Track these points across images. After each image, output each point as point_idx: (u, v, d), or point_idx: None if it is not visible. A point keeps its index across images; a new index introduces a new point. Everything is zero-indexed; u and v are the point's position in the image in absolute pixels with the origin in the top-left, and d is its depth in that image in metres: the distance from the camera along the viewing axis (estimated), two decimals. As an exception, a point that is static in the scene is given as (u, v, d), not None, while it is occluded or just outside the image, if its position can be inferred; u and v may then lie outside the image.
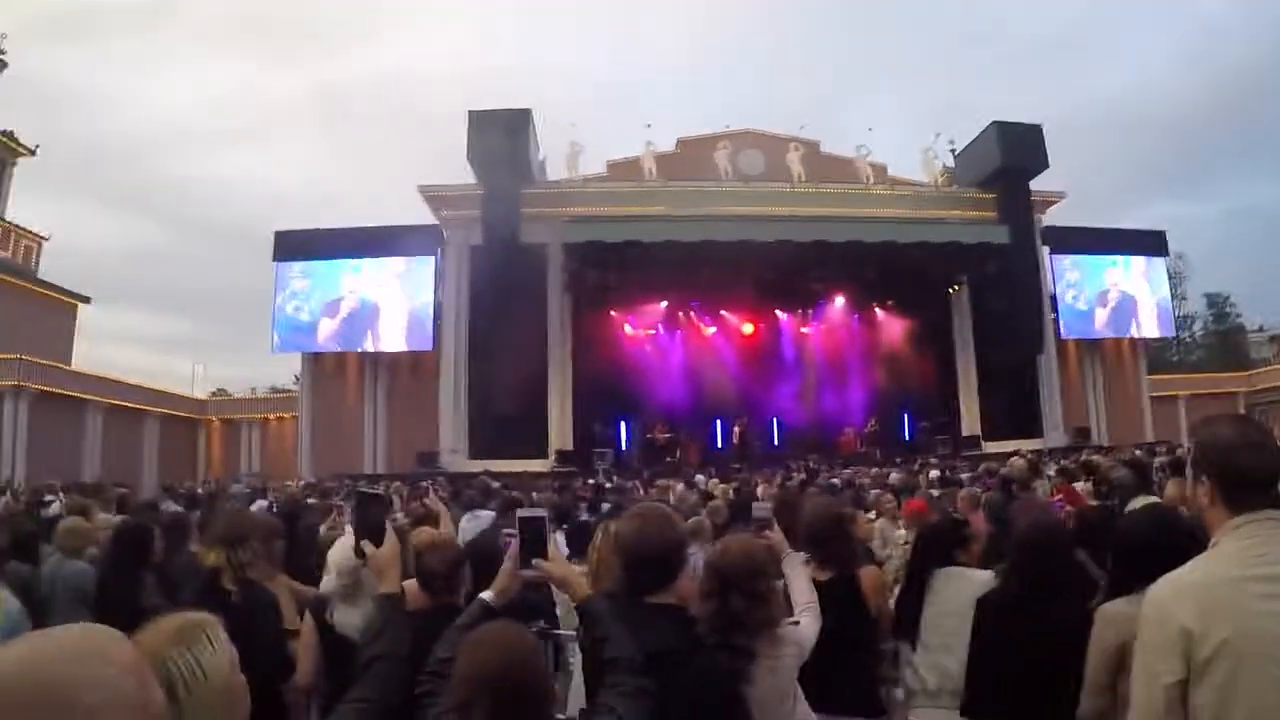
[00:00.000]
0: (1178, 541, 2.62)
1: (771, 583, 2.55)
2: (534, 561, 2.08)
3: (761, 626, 2.40)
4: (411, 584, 3.07)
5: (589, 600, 2.02)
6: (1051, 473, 11.58)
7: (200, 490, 14.91)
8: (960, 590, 3.20)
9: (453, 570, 2.92)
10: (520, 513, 2.26)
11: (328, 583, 3.10)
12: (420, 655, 2.50)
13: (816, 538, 3.27)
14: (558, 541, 5.19)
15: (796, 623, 2.54)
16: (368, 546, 2.31)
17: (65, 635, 0.83)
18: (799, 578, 2.90)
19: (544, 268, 22.52)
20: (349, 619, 2.99)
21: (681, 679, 1.95)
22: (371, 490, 2.13)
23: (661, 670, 1.89)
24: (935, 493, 8.33)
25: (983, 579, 3.17)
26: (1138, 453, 17.29)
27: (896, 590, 3.65)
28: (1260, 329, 43.51)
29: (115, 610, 4.05)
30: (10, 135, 27.48)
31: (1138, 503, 5.04)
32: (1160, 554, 2.48)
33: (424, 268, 23.54)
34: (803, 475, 14.47)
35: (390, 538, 2.35)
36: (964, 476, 12.28)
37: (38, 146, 27.88)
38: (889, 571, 5.24)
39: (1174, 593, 1.68)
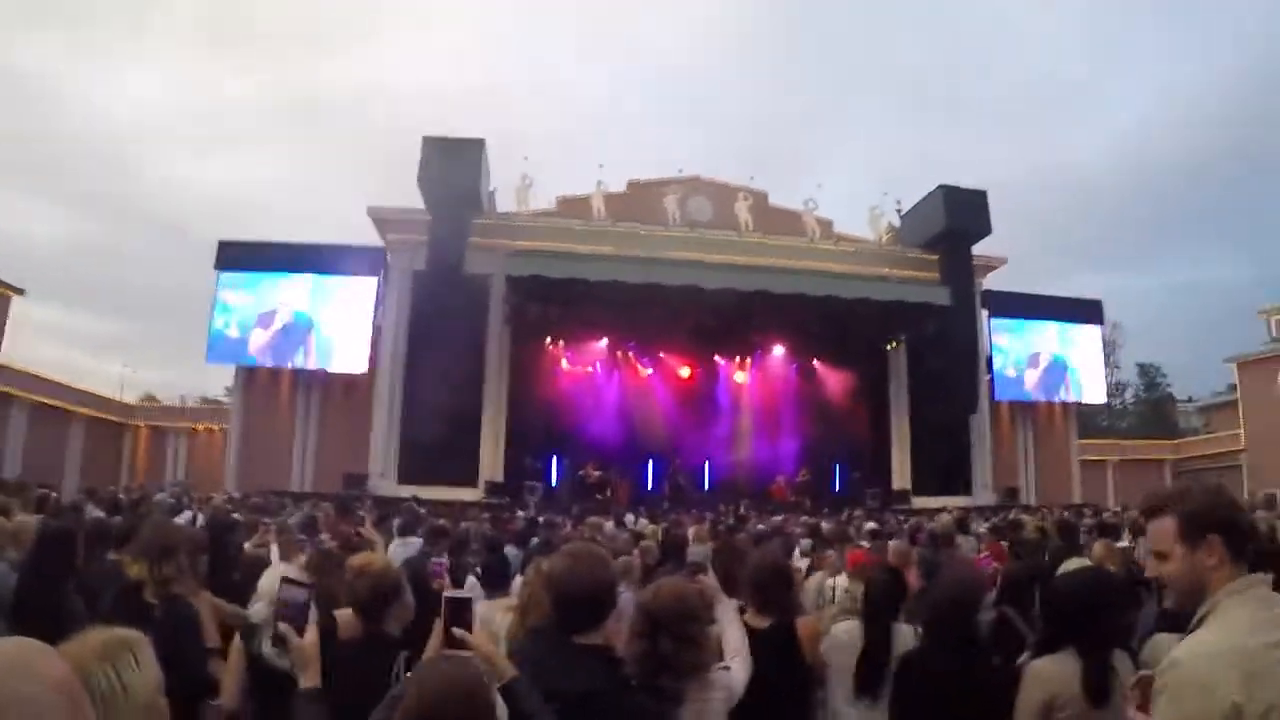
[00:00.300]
0: (1111, 600, 2.83)
1: (703, 627, 2.56)
2: (458, 633, 2.04)
3: (690, 670, 2.40)
4: (346, 613, 3.09)
5: (511, 681, 1.96)
6: (982, 530, 11.89)
7: (124, 497, 14.62)
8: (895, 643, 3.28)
9: (386, 599, 2.88)
10: (446, 594, 2.22)
11: (258, 611, 3.04)
12: (351, 685, 2.55)
13: (760, 585, 3.30)
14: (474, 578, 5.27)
15: (727, 668, 2.56)
16: (290, 635, 2.31)
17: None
18: (732, 624, 2.95)
19: (486, 298, 22.58)
20: (270, 649, 2.93)
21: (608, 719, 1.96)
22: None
23: (589, 712, 1.94)
24: (865, 544, 8.55)
25: (906, 634, 3.26)
26: (1065, 514, 17.87)
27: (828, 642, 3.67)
28: (1190, 400, 45.03)
29: (34, 616, 4.01)
30: (-44, 119, 26.99)
31: (1071, 564, 5.30)
32: (1093, 613, 2.70)
33: (365, 289, 23.47)
34: (732, 520, 14.66)
35: (311, 632, 2.35)
36: (892, 530, 12.52)
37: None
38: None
39: (1212, 664, 1.58)
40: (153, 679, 1.30)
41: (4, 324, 26.10)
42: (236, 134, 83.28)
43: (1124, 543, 9.01)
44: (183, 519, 9.31)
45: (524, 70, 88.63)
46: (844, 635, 3.46)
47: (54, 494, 11.76)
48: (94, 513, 8.92)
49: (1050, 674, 2.60)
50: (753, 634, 3.06)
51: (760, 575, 3.37)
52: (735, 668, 2.68)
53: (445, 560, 4.28)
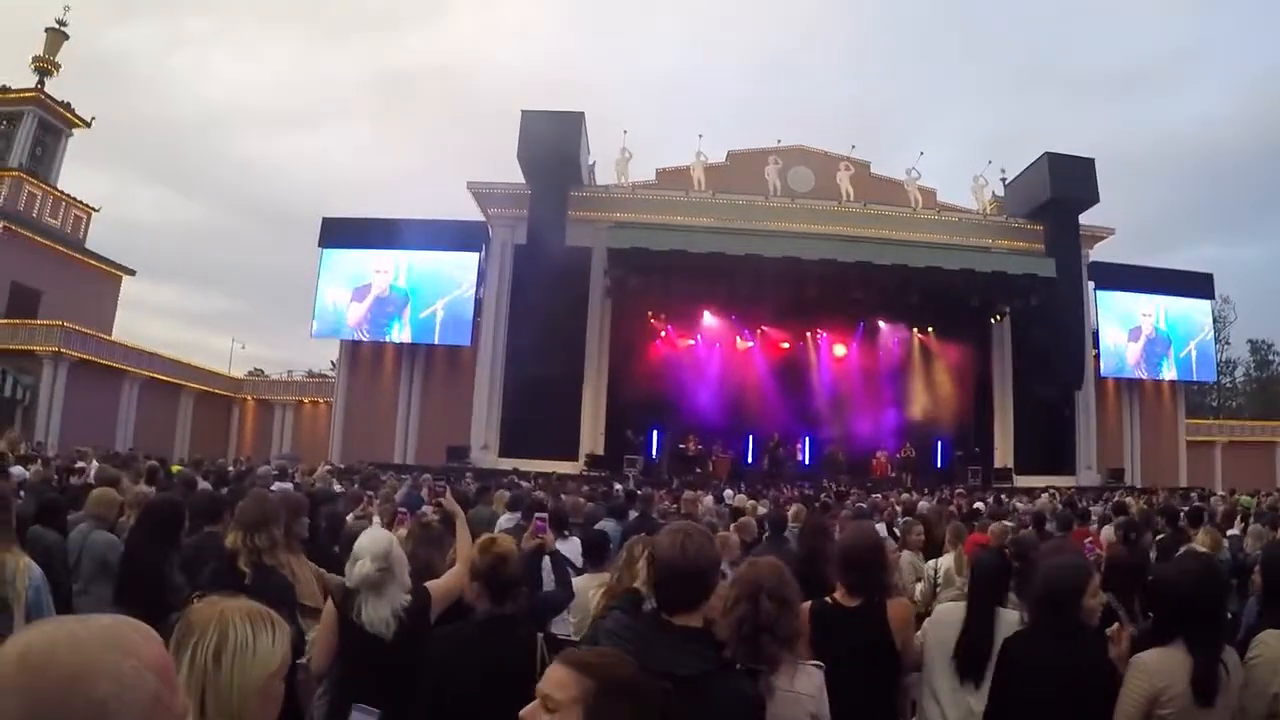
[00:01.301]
0: (1221, 595, 2.68)
1: (799, 597, 2.53)
2: None
3: (788, 636, 2.38)
4: (441, 582, 3.13)
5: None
6: (1096, 514, 11.43)
7: (231, 469, 14.97)
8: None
9: (517, 583, 2.90)
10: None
11: (362, 566, 3.00)
12: (477, 658, 2.62)
13: (851, 562, 3.18)
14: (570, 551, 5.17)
15: (821, 666, 2.46)
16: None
17: (93, 623, 0.84)
18: None
19: (587, 271, 22.53)
20: (377, 613, 2.93)
21: (708, 703, 1.92)
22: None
23: (692, 695, 1.86)
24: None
25: (1011, 619, 3.13)
26: (1171, 499, 17.07)
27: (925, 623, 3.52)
28: (1302, 378, 42.91)
29: (139, 584, 4.11)
30: (67, 106, 27.94)
31: (1183, 551, 4.95)
32: (1207, 606, 2.55)
33: (467, 263, 23.61)
34: (831, 497, 14.32)
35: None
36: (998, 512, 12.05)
37: (94, 118, 28.34)
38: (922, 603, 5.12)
39: None
40: (280, 658, 1.34)
41: (115, 303, 27.09)
42: (330, 113, 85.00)
43: (1234, 530, 8.46)
44: (278, 488, 9.46)
45: (618, 45, 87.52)
46: (947, 616, 3.32)
47: (162, 466, 12.20)
48: (202, 485, 9.02)
49: (1157, 667, 2.49)
50: (840, 612, 3.04)
51: (851, 554, 3.22)
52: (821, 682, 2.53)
53: (546, 517, 4.18)
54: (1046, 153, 24.93)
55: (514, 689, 2.47)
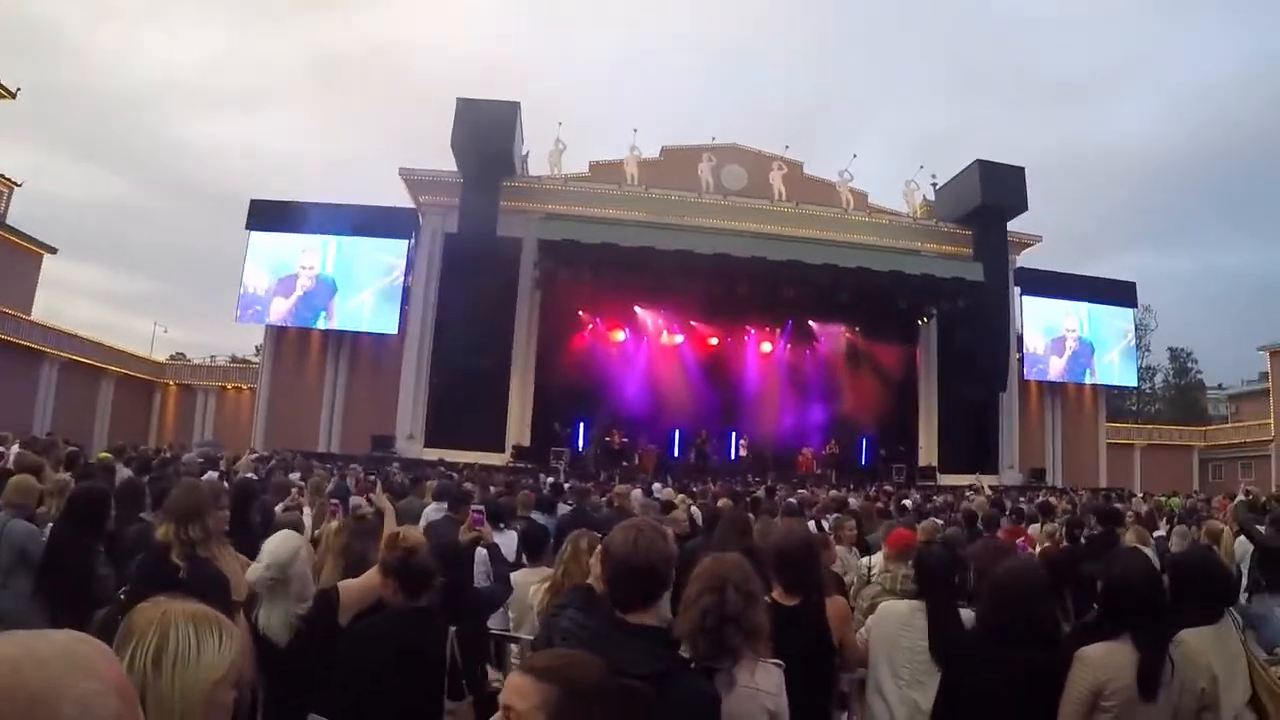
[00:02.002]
0: (1163, 591, 2.75)
1: (762, 591, 2.53)
2: None
3: (754, 630, 2.35)
4: (356, 582, 3.05)
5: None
6: (1024, 510, 11.69)
7: (155, 456, 14.66)
8: None
9: (431, 577, 2.87)
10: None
11: (254, 570, 2.99)
12: (390, 651, 2.61)
13: (787, 561, 3.18)
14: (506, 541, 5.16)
15: (780, 665, 2.45)
16: None
17: (52, 641, 0.81)
18: None
19: (517, 262, 22.49)
20: (269, 619, 2.91)
21: (664, 702, 1.89)
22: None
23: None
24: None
25: (965, 617, 3.16)
26: (1095, 499, 17.61)
27: (866, 619, 3.62)
28: (1220, 386, 44.45)
29: (63, 575, 4.03)
30: (-10, 76, 26.96)
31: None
32: (1156, 602, 2.61)
33: (396, 250, 23.39)
34: (760, 492, 14.53)
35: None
36: (928, 508, 12.33)
37: (18, 90, 27.30)
38: (854, 599, 5.23)
39: None
40: (226, 664, 1.25)
41: (35, 282, 26.25)
42: (264, 94, 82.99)
43: (1159, 531, 8.87)
44: (207, 478, 9.29)
45: (558, 35, 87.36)
46: (892, 613, 3.35)
47: (81, 451, 11.91)
48: (124, 472, 8.82)
49: (1103, 661, 2.51)
50: (780, 612, 2.98)
51: (786, 552, 3.21)
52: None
53: (483, 509, 4.23)
54: (978, 160, 25.51)
55: (426, 681, 2.54)
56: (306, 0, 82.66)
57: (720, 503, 9.93)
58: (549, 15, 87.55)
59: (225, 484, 7.95)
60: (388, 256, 23.35)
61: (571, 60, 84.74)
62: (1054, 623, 2.90)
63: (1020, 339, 26.99)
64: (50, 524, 4.75)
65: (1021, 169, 25.78)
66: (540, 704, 1.27)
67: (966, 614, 3.17)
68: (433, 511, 7.29)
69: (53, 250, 26.67)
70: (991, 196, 24.80)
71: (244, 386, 27.13)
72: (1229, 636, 2.80)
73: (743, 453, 23.78)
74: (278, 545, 3.02)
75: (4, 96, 27.37)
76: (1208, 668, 2.66)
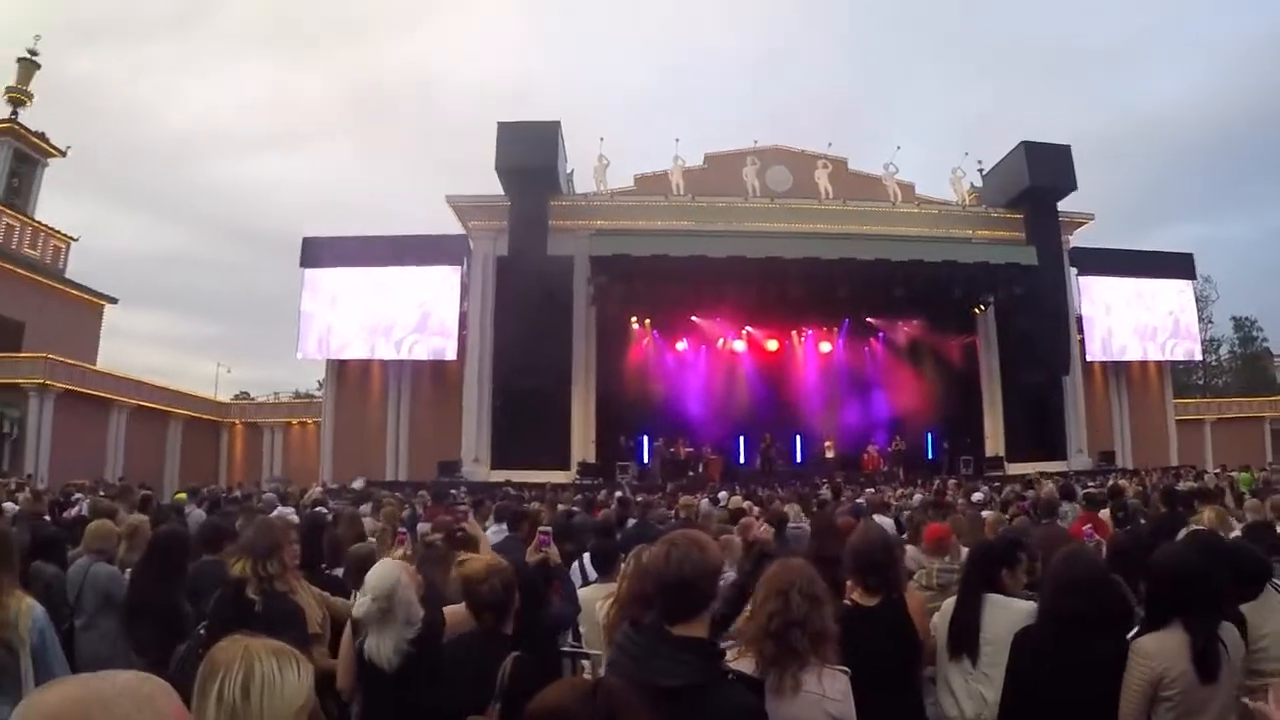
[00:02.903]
0: (1214, 570, 2.68)
1: (828, 595, 2.52)
2: None
3: (819, 634, 2.37)
4: (459, 608, 3.08)
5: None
6: (1080, 498, 11.42)
7: (225, 494, 14.90)
8: (1001, 619, 3.16)
9: (510, 601, 2.91)
10: None
11: (360, 604, 3.01)
12: (468, 680, 2.66)
13: (866, 562, 3.19)
14: (584, 563, 5.14)
15: (847, 671, 2.43)
16: None
17: (120, 681, 0.85)
18: None
19: (570, 280, 22.53)
20: (380, 648, 2.92)
21: (700, 714, 1.91)
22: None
23: (684, 705, 1.87)
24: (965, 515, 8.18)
25: (1025, 609, 3.13)
26: (1164, 479, 17.15)
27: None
28: (1288, 352, 43.09)
29: (148, 615, 4.10)
30: (42, 136, 27.80)
31: (1184, 533, 4.93)
32: (1197, 584, 2.56)
33: (450, 277, 23.58)
34: (827, 493, 14.37)
35: None
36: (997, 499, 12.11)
37: (69, 148, 28.19)
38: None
39: None
40: (306, 693, 1.35)
41: (98, 332, 26.95)
42: (306, 132, 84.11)
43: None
44: (278, 513, 9.39)
45: (592, 53, 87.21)
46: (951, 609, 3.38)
47: (153, 494, 12.14)
48: (195, 512, 8.96)
49: (1155, 650, 2.52)
50: (860, 612, 3.03)
51: (865, 552, 3.22)
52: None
53: (550, 530, 4.23)
54: (1023, 142, 25.09)
55: (479, 704, 2.55)
56: (340, 37, 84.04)
57: (790, 507, 9.87)
58: (582, 35, 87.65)
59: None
60: (442, 283, 23.55)
61: (608, 77, 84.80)
62: (1118, 610, 2.85)
63: (1080, 320, 26.41)
64: (128, 566, 4.88)
65: (1067, 147, 25.29)
66: None
67: (1026, 605, 3.17)
68: (494, 534, 7.19)
69: (113, 300, 27.40)
70: (1039, 178, 24.37)
71: (309, 421, 27.51)
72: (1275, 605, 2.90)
73: (829, 454, 23.41)
74: (380, 576, 3.04)
75: (55, 155, 28.28)
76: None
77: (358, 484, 20.80)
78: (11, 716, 0.82)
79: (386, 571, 3.08)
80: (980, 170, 26.24)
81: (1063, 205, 25.63)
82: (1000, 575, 3.38)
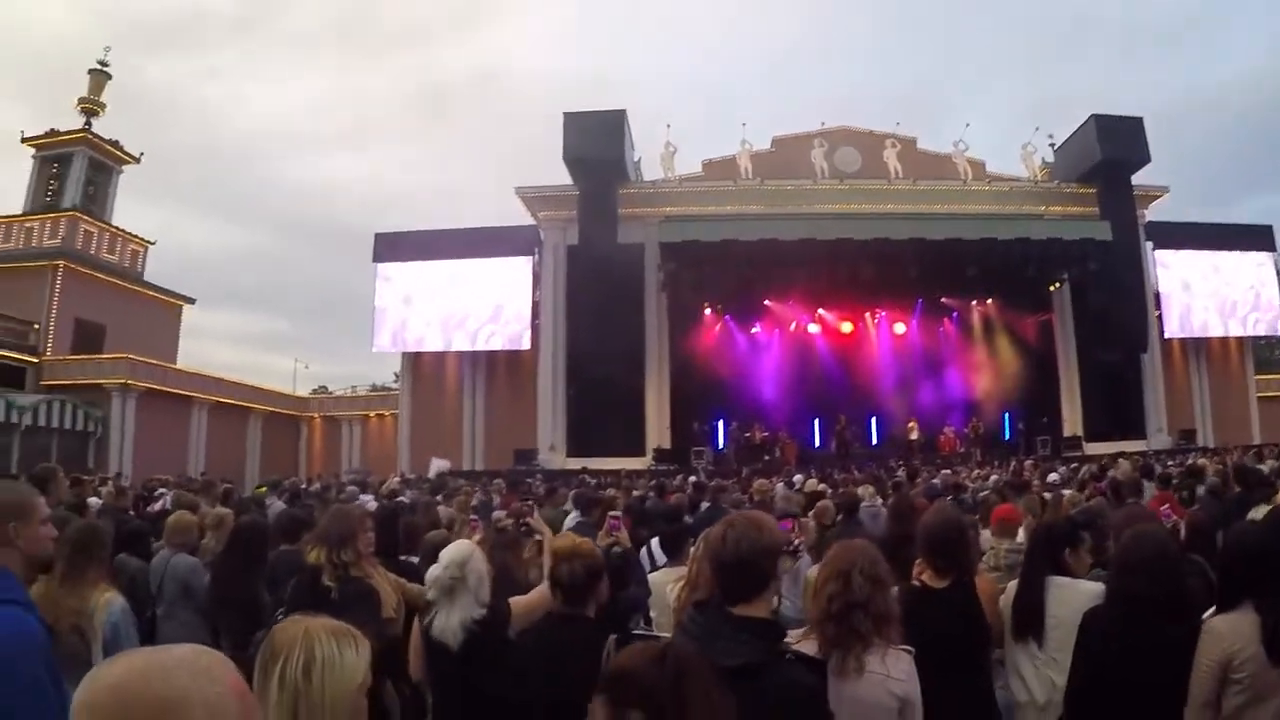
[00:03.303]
0: None
1: (890, 577, 2.52)
2: None
3: (881, 615, 2.36)
4: (530, 598, 3.11)
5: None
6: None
7: (305, 487, 15.19)
8: (1067, 601, 3.09)
9: (594, 583, 2.89)
10: None
11: (433, 572, 3.04)
12: (543, 667, 2.69)
13: (936, 544, 3.14)
14: (652, 547, 5.16)
15: (911, 651, 2.41)
16: None
17: (178, 653, 0.88)
18: None
19: (641, 267, 22.57)
20: (447, 622, 2.93)
21: (759, 693, 1.88)
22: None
23: (742, 685, 1.82)
24: (1048, 495, 8.04)
25: (1091, 591, 3.06)
26: (1243, 458, 16.58)
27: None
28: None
29: (228, 605, 4.25)
30: (116, 144, 28.59)
31: (1259, 511, 4.81)
32: (1270, 564, 2.48)
33: (522, 268, 23.78)
34: (902, 475, 14.21)
35: None
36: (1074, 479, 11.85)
37: (142, 154, 28.98)
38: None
39: None
40: (364, 671, 1.38)
41: (178, 332, 27.66)
42: (372, 129, 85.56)
43: None
44: (357, 503, 9.46)
45: (654, 40, 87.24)
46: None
47: (234, 487, 12.39)
48: (275, 504, 9.12)
49: (1225, 632, 2.46)
50: (931, 595, 3.01)
51: (935, 534, 3.16)
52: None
53: (620, 515, 4.27)
54: (1094, 115, 24.51)
55: (578, 689, 2.51)
56: (402, 35, 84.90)
57: (864, 489, 9.74)
58: (646, 23, 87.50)
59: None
60: (513, 274, 23.76)
61: (672, 64, 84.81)
62: (1188, 592, 2.73)
63: (1157, 296, 25.75)
64: (211, 557, 5.05)
65: (1139, 119, 24.63)
66: (603, 718, 1.33)
67: (1095, 586, 3.10)
68: (572, 520, 7.21)
69: (190, 301, 28.09)
70: (1111, 151, 23.77)
71: (386, 413, 27.96)
72: None
73: (913, 435, 23.13)
74: (454, 549, 3.08)
75: (129, 162, 29.04)
76: None
77: (434, 472, 21.13)
78: (80, 684, 0.85)
79: (461, 546, 3.15)
80: (1051, 145, 25.72)
81: (1136, 179, 24.98)
82: (1063, 556, 3.30)
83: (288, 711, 1.30)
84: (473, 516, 6.62)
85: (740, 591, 2.10)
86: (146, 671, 0.83)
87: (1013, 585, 3.39)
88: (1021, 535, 4.77)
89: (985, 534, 6.00)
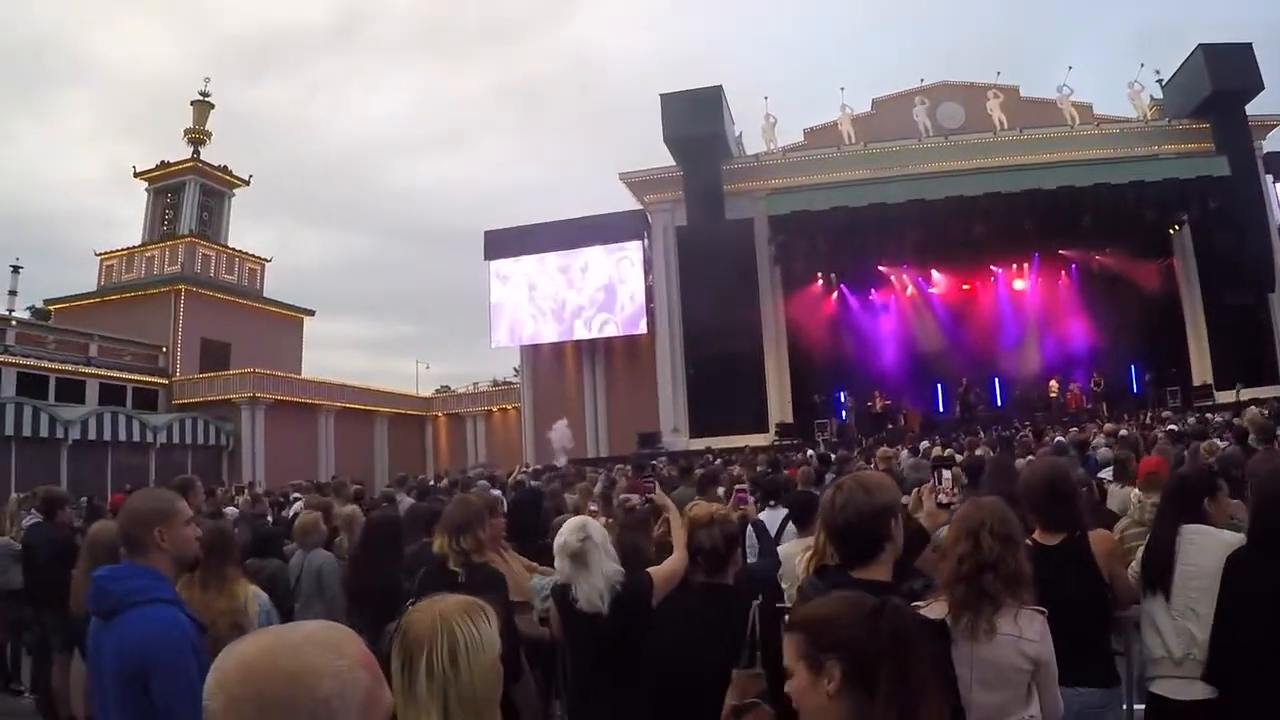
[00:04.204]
0: None
1: (1022, 537, 2.46)
2: None
3: (1013, 575, 2.30)
4: (677, 557, 3.07)
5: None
6: None
7: (434, 484, 15.64)
8: (1206, 550, 2.93)
9: (732, 549, 2.89)
10: None
11: (560, 537, 3.07)
12: (697, 626, 2.70)
13: (1040, 499, 3.06)
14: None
15: (1043, 611, 2.35)
16: None
17: (306, 629, 0.91)
18: None
19: (751, 242, 22.59)
20: (591, 587, 2.93)
21: None
22: None
23: None
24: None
25: (1231, 539, 2.92)
26: None
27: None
28: None
29: (365, 597, 4.37)
30: (225, 169, 29.88)
31: None
32: None
33: (632, 253, 24.07)
34: (1028, 435, 13.97)
35: None
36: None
37: (251, 176, 30.20)
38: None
39: None
40: (498, 640, 1.42)
41: (300, 344, 28.80)
42: (470, 128, 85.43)
43: None
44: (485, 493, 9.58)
45: (743, 12, 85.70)
46: None
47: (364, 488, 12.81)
48: (405, 500, 9.19)
49: None
50: (1043, 552, 2.89)
51: (1040, 489, 3.08)
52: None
53: (748, 487, 4.31)
54: (1201, 45, 23.47)
55: (714, 650, 2.52)
56: (491, 31, 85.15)
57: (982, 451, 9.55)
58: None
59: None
60: (624, 260, 24.08)
61: (764, 35, 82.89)
62: None
63: (1281, 229, 24.62)
64: (346, 554, 5.22)
65: (1248, 45, 23.43)
66: (796, 655, 1.31)
67: (1234, 535, 2.94)
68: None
69: (310, 313, 29.21)
70: (1222, 81, 22.71)
71: (508, 407, 28.64)
72: None
73: (1008, 398, 22.77)
74: (570, 520, 3.14)
75: (239, 185, 30.30)
76: None
77: (557, 442, 21.65)
78: (211, 666, 0.88)
79: (575, 517, 3.25)
80: (1159, 81, 24.72)
81: (1251, 109, 23.86)
82: (1202, 505, 3.14)
83: (438, 700, 1.34)
84: (591, 505, 6.77)
85: (856, 554, 2.11)
86: (275, 648, 0.86)
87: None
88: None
89: (1119, 489, 5.96)
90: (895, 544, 2.15)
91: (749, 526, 4.05)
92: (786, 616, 3.82)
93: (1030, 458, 7.79)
